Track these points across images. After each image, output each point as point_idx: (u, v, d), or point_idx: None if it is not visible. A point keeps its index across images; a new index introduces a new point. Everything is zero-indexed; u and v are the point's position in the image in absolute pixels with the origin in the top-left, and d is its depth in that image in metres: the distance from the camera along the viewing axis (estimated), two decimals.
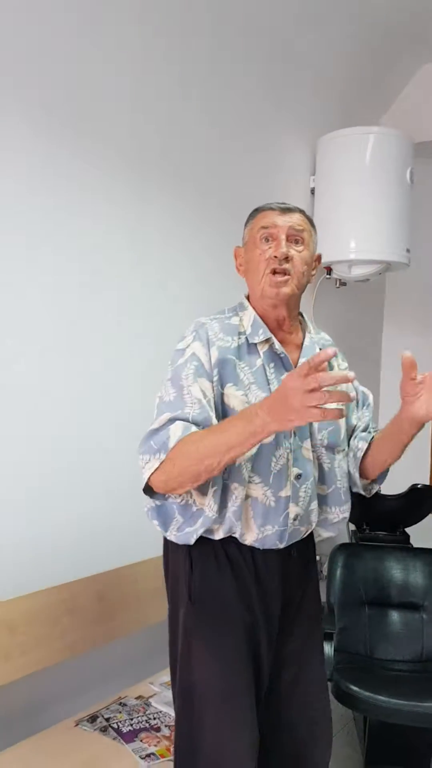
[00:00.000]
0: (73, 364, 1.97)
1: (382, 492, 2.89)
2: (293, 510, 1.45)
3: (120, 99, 2.07)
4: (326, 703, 1.58)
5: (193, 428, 1.31)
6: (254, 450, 1.36)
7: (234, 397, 1.40)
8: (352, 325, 3.42)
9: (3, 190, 1.78)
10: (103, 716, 1.90)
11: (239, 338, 1.45)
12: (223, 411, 1.40)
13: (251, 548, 1.44)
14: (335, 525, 1.59)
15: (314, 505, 1.50)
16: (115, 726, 1.85)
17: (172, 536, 1.44)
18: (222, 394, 1.40)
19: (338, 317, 3.28)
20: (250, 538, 1.42)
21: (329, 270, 2.97)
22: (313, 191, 2.98)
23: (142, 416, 1.48)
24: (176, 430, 1.31)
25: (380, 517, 2.87)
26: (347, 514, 1.59)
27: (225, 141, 2.50)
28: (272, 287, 1.43)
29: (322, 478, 1.52)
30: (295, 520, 1.45)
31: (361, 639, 2.55)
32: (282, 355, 1.46)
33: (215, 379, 1.39)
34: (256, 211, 1.50)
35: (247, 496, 1.40)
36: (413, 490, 2.79)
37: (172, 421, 1.33)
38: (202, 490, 1.38)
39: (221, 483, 1.39)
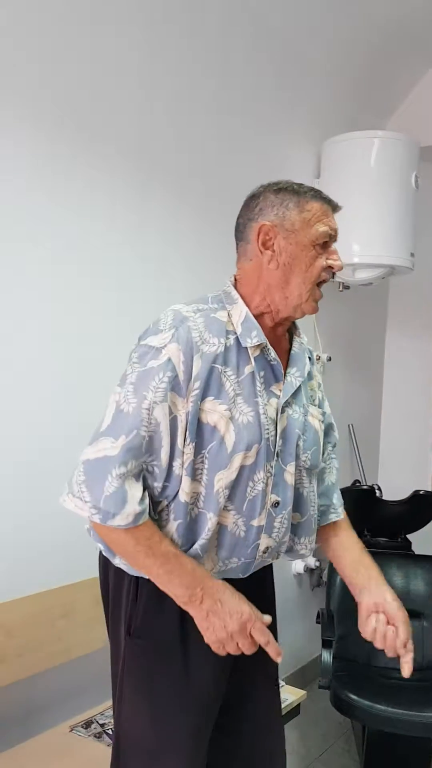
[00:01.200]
0: (70, 364, 1.96)
1: (384, 498, 2.88)
2: (265, 542, 1.28)
3: (123, 99, 2.06)
4: (282, 734, 1.48)
5: (145, 502, 1.16)
6: (233, 475, 1.21)
7: (214, 413, 1.19)
8: (355, 329, 3.40)
9: (3, 188, 1.76)
10: (97, 722, 1.88)
11: (227, 339, 1.23)
12: (198, 429, 1.19)
13: None
14: (301, 556, 1.42)
15: (287, 536, 1.33)
16: (109, 732, 1.83)
17: (120, 564, 1.26)
18: (198, 411, 1.19)
19: (341, 321, 3.26)
20: (209, 568, 1.25)
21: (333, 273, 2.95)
22: None
23: None
24: (133, 499, 1.14)
25: (381, 524, 2.85)
26: (314, 545, 1.43)
27: (229, 143, 2.49)
28: (314, 302, 1.28)
29: (297, 504, 1.34)
30: (264, 552, 1.29)
31: (360, 647, 2.52)
32: (274, 363, 1.28)
33: (194, 393, 1.18)
34: (314, 197, 1.27)
35: (217, 525, 1.23)
36: (415, 497, 2.77)
37: (124, 463, 1.14)
38: (162, 521, 1.22)
39: (187, 514, 1.21)
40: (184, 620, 1.23)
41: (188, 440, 1.19)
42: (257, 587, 1.35)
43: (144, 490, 1.18)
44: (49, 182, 1.87)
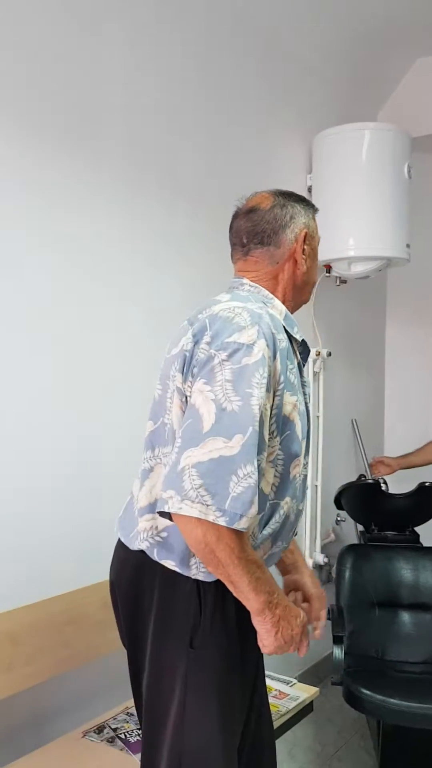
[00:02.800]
0: (72, 373, 1.95)
1: (391, 491, 2.87)
2: (297, 524, 1.38)
3: (114, 98, 2.05)
4: (273, 738, 1.55)
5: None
6: (302, 461, 1.32)
7: (288, 405, 1.27)
8: (354, 323, 3.38)
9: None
10: (110, 726, 1.87)
11: (285, 335, 1.32)
12: (282, 423, 1.26)
13: None
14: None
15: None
16: (122, 736, 1.82)
17: (199, 574, 1.24)
18: (282, 404, 1.26)
19: (340, 316, 3.25)
20: (261, 554, 1.29)
21: (329, 268, 2.94)
22: (310, 189, 2.95)
23: (144, 423, 1.41)
24: (257, 501, 1.13)
25: (389, 517, 2.83)
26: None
27: (220, 140, 2.48)
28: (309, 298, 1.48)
29: None
30: (294, 533, 1.38)
31: (371, 641, 2.51)
32: (304, 356, 1.42)
33: (279, 387, 1.25)
34: (315, 210, 1.47)
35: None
36: (422, 489, 2.75)
37: (249, 462, 1.12)
38: None
39: (264, 505, 1.25)
40: (241, 628, 1.27)
41: (275, 434, 1.24)
42: None
43: None
44: (46, 187, 1.86)
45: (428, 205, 3.36)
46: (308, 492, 3.01)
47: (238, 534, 1.13)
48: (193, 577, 1.25)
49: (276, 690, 2.11)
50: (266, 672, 2.19)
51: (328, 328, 3.14)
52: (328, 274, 2.97)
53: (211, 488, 1.10)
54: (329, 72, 2.99)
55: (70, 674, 1.88)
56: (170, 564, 1.26)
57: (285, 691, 2.10)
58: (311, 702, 2.10)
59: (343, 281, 3.07)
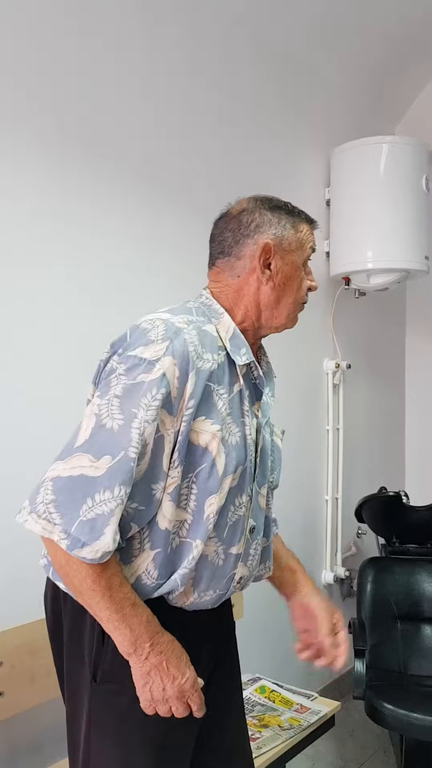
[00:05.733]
0: (81, 385, 1.97)
1: (411, 503, 2.85)
2: (240, 571, 1.22)
3: (131, 114, 2.09)
4: (250, 755, 1.43)
5: (117, 539, 1.05)
6: (224, 500, 1.14)
7: (206, 433, 1.12)
8: (373, 335, 3.38)
9: (16, 209, 1.79)
10: None
11: (219, 355, 1.16)
12: (187, 450, 1.11)
13: (178, 608, 1.18)
14: (260, 579, 1.37)
15: (257, 562, 1.28)
16: None
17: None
18: (189, 430, 1.11)
19: (359, 328, 3.25)
20: (182, 602, 1.18)
21: (347, 281, 2.95)
22: (328, 203, 2.97)
23: None
24: (110, 533, 1.03)
25: (410, 530, 2.81)
26: (272, 568, 1.38)
27: (238, 156, 2.51)
28: (294, 321, 1.29)
29: (265, 529, 1.31)
30: (238, 582, 1.23)
31: (393, 655, 2.49)
32: (257, 382, 1.25)
33: (187, 412, 1.10)
34: (307, 222, 1.28)
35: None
36: None
37: (110, 488, 1.03)
38: (133, 550, 1.11)
39: (167, 543, 1.12)
40: None
41: (176, 463, 1.11)
42: (219, 617, 1.31)
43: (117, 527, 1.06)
44: (57, 203, 1.90)
45: None
46: (328, 504, 3.00)
47: (92, 565, 1.04)
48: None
49: (297, 704, 2.10)
50: (288, 686, 2.20)
51: (348, 341, 3.14)
52: (347, 287, 2.98)
53: (61, 507, 1.03)
54: (347, 86, 3.01)
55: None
56: (61, 585, 1.17)
57: (306, 705, 2.09)
58: (333, 716, 2.09)
59: (362, 293, 3.07)
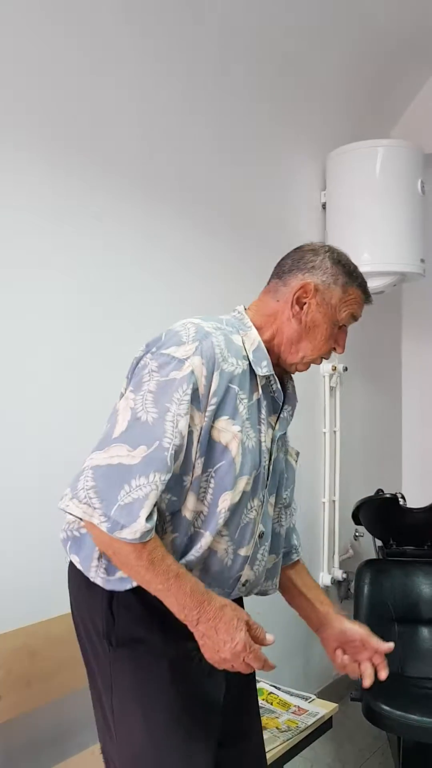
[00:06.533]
0: (78, 394, 1.98)
1: (408, 505, 2.85)
2: (246, 574, 1.29)
3: (127, 121, 2.10)
4: (260, 726, 1.50)
5: (154, 519, 1.12)
6: (237, 498, 1.22)
7: (227, 432, 1.20)
8: (370, 338, 3.39)
9: (16, 218, 1.80)
10: None
11: (242, 363, 1.25)
12: (208, 447, 1.19)
13: None
14: (266, 594, 1.43)
15: (264, 574, 1.35)
16: None
17: (97, 578, 1.22)
18: (211, 428, 1.19)
19: (355, 331, 3.21)
20: None
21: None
22: (324, 206, 2.98)
23: None
24: (145, 515, 1.10)
25: (407, 532, 2.82)
26: (278, 585, 1.44)
27: (234, 159, 2.52)
28: (306, 367, 1.35)
29: (274, 544, 1.37)
30: (243, 585, 1.30)
31: (391, 657, 2.44)
32: (276, 395, 1.31)
33: (210, 409, 1.18)
34: (359, 286, 1.33)
35: (208, 548, 1.23)
36: None
37: (145, 474, 1.11)
38: (158, 530, 1.18)
39: (186, 530, 1.21)
40: (165, 621, 1.20)
41: (198, 455, 1.19)
42: None
43: (154, 507, 1.14)
44: (57, 209, 1.90)
45: None
46: (325, 507, 3.01)
47: (133, 544, 1.11)
48: (91, 580, 1.23)
49: (295, 706, 2.10)
50: (285, 688, 2.20)
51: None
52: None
53: (101, 493, 1.11)
54: (343, 90, 3.02)
55: (87, 690, 1.88)
56: (75, 560, 1.25)
57: (304, 707, 2.09)
58: (330, 718, 2.09)
59: None
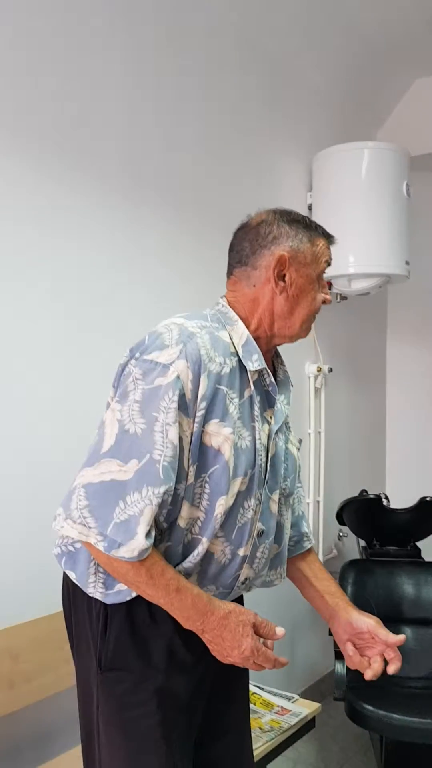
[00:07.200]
0: (62, 389, 1.97)
1: (392, 506, 2.87)
2: (245, 572, 1.26)
3: (114, 120, 2.09)
4: (250, 743, 1.47)
5: (152, 536, 1.11)
6: (231, 501, 1.19)
7: (218, 435, 1.16)
8: (355, 339, 3.41)
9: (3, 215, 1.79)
10: None
11: (231, 360, 1.21)
12: (200, 452, 1.16)
13: None
14: (272, 585, 1.40)
15: (266, 569, 1.33)
16: None
17: (96, 593, 1.19)
18: (202, 432, 1.15)
19: (341, 332, 3.27)
20: None
21: (329, 285, 2.96)
22: (310, 207, 2.99)
23: None
24: (143, 532, 1.08)
25: (390, 532, 2.84)
26: (285, 575, 1.42)
27: (221, 160, 2.52)
28: (307, 332, 1.32)
29: (277, 535, 1.34)
30: (243, 583, 1.28)
31: None
32: (270, 389, 1.28)
33: (199, 414, 1.14)
34: (323, 237, 1.31)
35: (205, 552, 1.20)
36: (423, 503, 2.76)
37: (138, 490, 1.09)
38: (154, 543, 1.15)
39: (180, 539, 1.18)
40: (157, 648, 1.20)
41: (190, 462, 1.15)
42: None
43: (153, 522, 1.11)
44: (42, 214, 1.89)
45: (427, 222, 3.39)
46: (310, 507, 3.02)
47: (131, 561, 1.10)
48: (89, 595, 1.21)
49: (278, 706, 2.11)
50: (269, 688, 2.21)
51: (330, 344, 3.16)
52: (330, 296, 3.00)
53: (96, 511, 1.09)
54: (330, 92, 3.03)
55: (71, 691, 1.87)
56: (72, 576, 1.23)
57: (287, 707, 2.10)
58: (313, 718, 2.10)
59: (344, 298, 3.10)
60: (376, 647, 1.33)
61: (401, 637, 1.31)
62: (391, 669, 1.30)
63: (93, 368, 2.00)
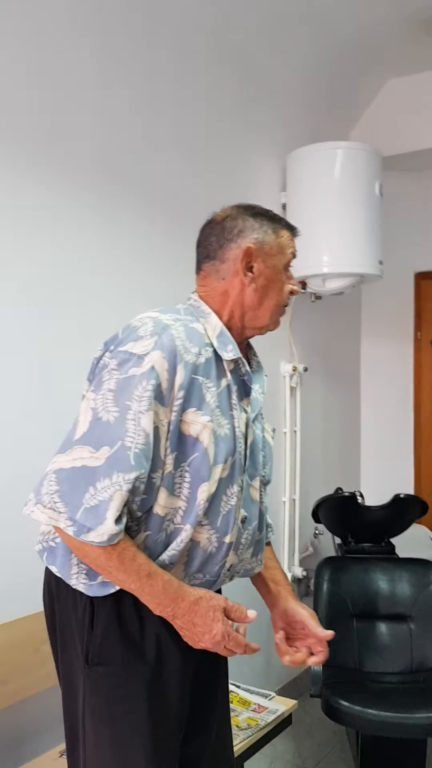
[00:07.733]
0: (36, 389, 1.96)
1: (366, 503, 2.90)
2: (231, 559, 1.28)
3: (87, 118, 2.08)
4: (230, 735, 1.50)
5: (123, 522, 1.12)
6: (214, 487, 1.21)
7: (196, 424, 1.18)
8: (329, 338, 3.43)
9: None
10: None
11: (206, 351, 1.23)
12: (179, 441, 1.18)
13: None
14: (253, 574, 1.42)
15: (248, 554, 1.35)
16: None
17: (79, 585, 1.20)
18: (180, 422, 1.17)
19: (315, 332, 3.29)
20: None
21: (304, 284, 2.98)
22: (284, 207, 3.00)
23: None
24: (112, 517, 1.09)
25: (365, 529, 2.86)
26: (263, 562, 1.44)
27: (194, 160, 2.52)
28: (277, 324, 1.36)
29: (259, 522, 1.37)
30: (228, 570, 1.30)
31: (349, 653, 2.53)
32: (245, 378, 1.31)
33: (177, 403, 1.16)
34: (287, 229, 1.35)
35: (190, 540, 1.21)
36: (397, 500, 2.78)
37: (109, 476, 1.10)
38: (131, 532, 1.17)
39: (159, 528, 1.19)
40: (144, 642, 1.21)
41: (168, 451, 1.17)
42: None
43: (124, 508, 1.13)
44: (16, 213, 1.88)
45: (399, 222, 3.43)
46: (285, 506, 3.03)
47: (102, 546, 1.11)
48: (73, 587, 1.21)
49: (255, 704, 2.11)
50: (245, 686, 2.21)
51: (304, 344, 3.18)
52: (303, 291, 3.02)
53: (66, 496, 1.11)
54: (303, 92, 3.05)
55: (46, 693, 1.86)
56: (54, 570, 1.24)
57: (264, 705, 2.11)
58: (290, 715, 2.11)
59: (318, 297, 3.11)
60: (306, 640, 1.37)
61: (330, 633, 1.35)
62: (312, 660, 1.34)
63: (66, 366, 1.99)
